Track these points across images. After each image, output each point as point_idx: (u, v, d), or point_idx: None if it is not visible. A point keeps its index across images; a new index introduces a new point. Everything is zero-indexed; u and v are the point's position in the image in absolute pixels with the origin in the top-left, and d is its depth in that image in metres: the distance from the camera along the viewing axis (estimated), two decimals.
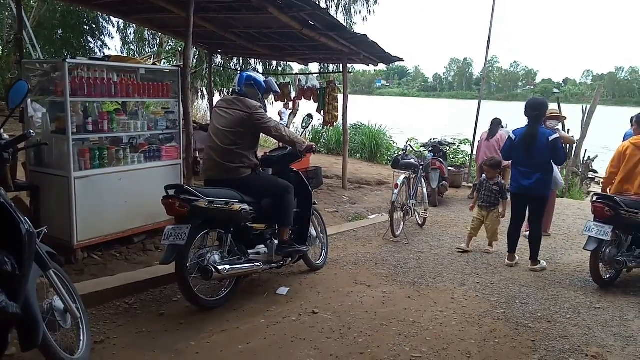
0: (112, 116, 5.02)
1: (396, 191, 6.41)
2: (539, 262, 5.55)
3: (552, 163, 5.48)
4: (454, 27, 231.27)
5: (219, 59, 14.28)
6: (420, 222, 7.24)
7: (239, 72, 6.81)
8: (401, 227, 6.61)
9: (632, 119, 7.63)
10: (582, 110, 13.34)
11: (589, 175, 14.50)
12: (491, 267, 5.53)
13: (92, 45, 14.69)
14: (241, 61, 14.56)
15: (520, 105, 5.77)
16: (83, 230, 4.68)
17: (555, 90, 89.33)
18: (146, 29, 14.26)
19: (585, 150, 14.34)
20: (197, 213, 3.86)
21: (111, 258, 4.92)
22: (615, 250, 5.02)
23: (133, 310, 4.04)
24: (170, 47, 16.50)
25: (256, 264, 4.33)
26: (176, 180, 5.36)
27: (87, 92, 4.72)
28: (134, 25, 14.61)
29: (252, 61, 14.44)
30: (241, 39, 8.82)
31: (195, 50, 12.68)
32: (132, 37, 16.19)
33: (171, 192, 3.91)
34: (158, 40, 16.10)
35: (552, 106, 6.58)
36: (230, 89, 4.85)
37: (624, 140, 7.00)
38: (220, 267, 3.92)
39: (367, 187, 10.11)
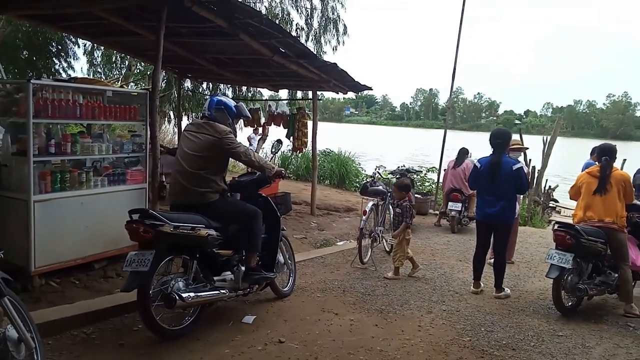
0: (75, 138, 4.92)
1: (364, 218, 6.44)
2: (504, 289, 5.63)
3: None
4: (421, 58, 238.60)
5: (188, 83, 14.22)
6: (387, 249, 7.26)
7: (208, 96, 6.80)
8: (369, 253, 6.62)
9: (593, 149, 7.98)
10: (543, 141, 13.81)
11: (550, 204, 14.93)
12: (457, 295, 5.58)
13: (57, 67, 14.41)
14: (211, 86, 14.54)
15: (484, 136, 5.95)
16: (41, 256, 4.51)
17: (517, 121, 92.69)
18: (114, 51, 14.12)
19: (547, 180, 14.79)
20: (162, 238, 3.77)
21: (70, 285, 4.74)
22: (577, 278, 5.13)
23: (91, 340, 3.88)
24: (138, 70, 16.36)
25: (222, 291, 4.24)
26: (141, 205, 5.26)
27: (51, 114, 4.62)
28: (102, 48, 14.44)
29: (222, 86, 14.44)
30: (211, 64, 8.84)
31: (164, 73, 12.62)
32: (99, 59, 15.98)
33: (135, 216, 3.81)
34: (127, 63, 15.94)
35: (515, 137, 6.79)
36: (200, 113, 4.83)
37: (582, 170, 7.33)
38: (184, 295, 3.82)
39: (336, 214, 10.12)
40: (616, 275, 5.26)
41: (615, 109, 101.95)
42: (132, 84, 15.14)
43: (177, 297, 3.76)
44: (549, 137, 13.75)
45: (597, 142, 6.21)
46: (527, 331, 4.59)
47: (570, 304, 5.17)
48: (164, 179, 7.58)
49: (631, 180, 5.47)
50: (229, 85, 14.33)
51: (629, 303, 5.21)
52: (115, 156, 5.37)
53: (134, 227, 3.75)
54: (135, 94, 6.14)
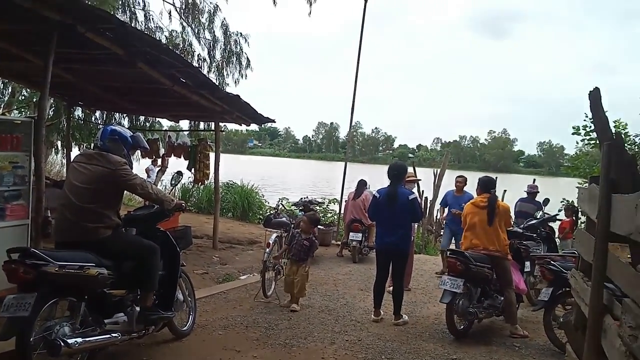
0: None
1: (268, 250, 6.40)
2: (402, 316, 5.84)
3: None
4: (322, 93, 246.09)
5: (79, 112, 13.38)
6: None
7: (101, 126, 6.46)
8: (272, 286, 6.56)
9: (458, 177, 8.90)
10: (434, 173, 14.82)
11: (442, 233, 15.88)
12: (359, 324, 5.68)
13: None
14: (105, 115, 13.81)
15: (382, 168, 6.26)
16: None
17: (410, 155, 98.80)
18: None
19: (438, 210, 15.77)
20: (46, 279, 3.44)
21: None
22: (467, 302, 5.47)
23: None
24: (23, 97, 15.15)
25: (113, 334, 3.92)
26: (22, 243, 4.82)
27: None
28: None
29: (117, 115, 13.78)
30: (106, 92, 8.43)
31: (52, 101, 11.79)
32: None
33: (15, 255, 3.45)
34: (9, 89, 14.69)
35: (409, 169, 7.20)
36: (92, 144, 4.56)
37: (442, 200, 8.43)
38: (70, 341, 3.48)
39: (239, 247, 9.95)
40: (502, 298, 5.69)
41: (496, 144, 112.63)
42: (15, 111, 13.97)
43: (61, 344, 3.42)
44: (438, 170, 14.79)
45: (481, 174, 6.78)
46: (424, 356, 4.78)
47: (462, 327, 5.48)
48: (49, 214, 6.99)
49: (512, 209, 6.05)
50: (125, 115, 13.72)
51: (514, 324, 5.64)
52: None
53: (13, 267, 3.39)
54: (19, 122, 5.68)
